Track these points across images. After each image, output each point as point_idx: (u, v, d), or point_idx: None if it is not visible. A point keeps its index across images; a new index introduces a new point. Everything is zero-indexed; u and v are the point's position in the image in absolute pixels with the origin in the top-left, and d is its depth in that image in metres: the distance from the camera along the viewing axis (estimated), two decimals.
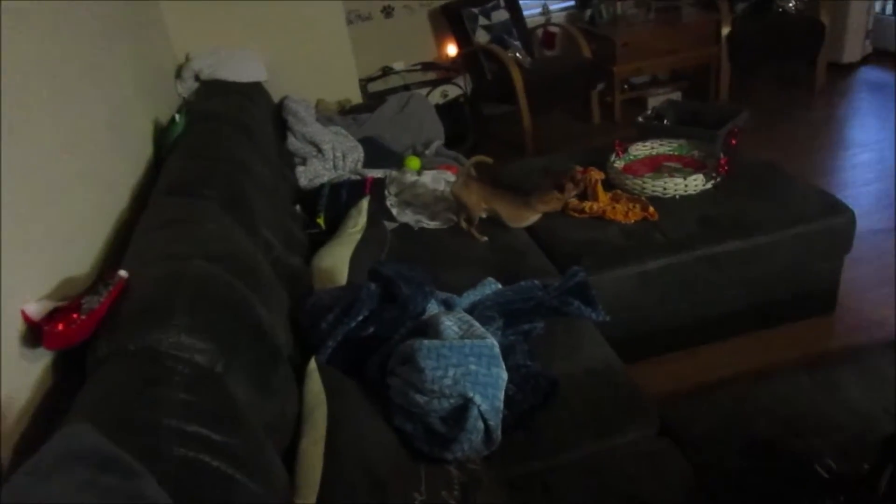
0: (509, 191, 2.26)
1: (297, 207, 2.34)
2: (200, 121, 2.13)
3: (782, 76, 4.70)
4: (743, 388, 1.52)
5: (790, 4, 4.29)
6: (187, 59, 2.83)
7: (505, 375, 1.41)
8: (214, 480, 0.85)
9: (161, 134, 2.12)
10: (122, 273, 1.14)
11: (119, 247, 1.49)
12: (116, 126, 1.81)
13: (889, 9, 4.86)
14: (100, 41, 1.86)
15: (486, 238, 2.21)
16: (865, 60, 4.71)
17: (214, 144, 1.96)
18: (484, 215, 2.26)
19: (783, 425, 1.39)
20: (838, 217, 2.17)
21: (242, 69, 2.78)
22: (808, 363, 1.59)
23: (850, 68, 4.66)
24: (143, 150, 2.01)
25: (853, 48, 4.63)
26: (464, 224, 2.25)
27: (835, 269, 2.31)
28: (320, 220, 2.23)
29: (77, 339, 1.02)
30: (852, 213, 2.18)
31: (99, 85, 1.76)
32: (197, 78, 2.72)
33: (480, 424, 1.33)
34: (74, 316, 1.01)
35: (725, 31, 4.22)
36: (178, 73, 2.75)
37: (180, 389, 0.94)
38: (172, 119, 2.10)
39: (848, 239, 2.21)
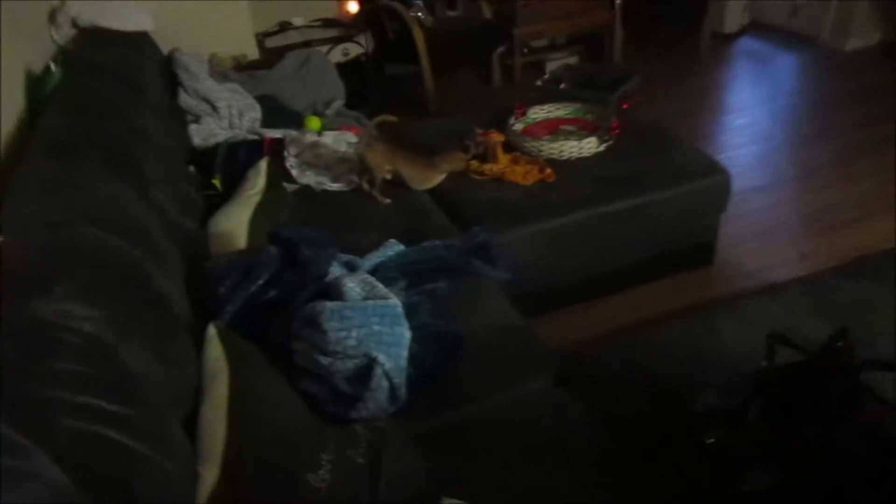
0: (413, 152, 2.26)
1: (192, 168, 2.24)
2: (80, 72, 1.97)
3: (670, 43, 4.92)
4: (634, 336, 1.63)
5: None
6: (62, 2, 2.59)
7: (408, 334, 1.44)
8: (112, 452, 0.82)
9: (34, 85, 1.94)
10: None
11: None
12: None
13: None
14: None
15: (388, 200, 2.21)
16: (744, 31, 5.00)
17: (97, 98, 1.83)
18: (388, 177, 2.25)
19: (670, 368, 1.51)
20: (716, 177, 2.33)
21: (127, 17, 2.58)
22: (691, 311, 1.72)
23: (731, 38, 4.93)
24: (13, 103, 1.83)
25: (733, 19, 4.91)
26: (366, 186, 2.23)
27: (713, 225, 2.49)
28: (216, 182, 2.15)
29: None
30: (728, 174, 2.35)
31: None
32: (74, 24, 2.50)
33: (385, 383, 1.35)
34: None
35: None
36: (52, 18, 2.51)
37: (69, 360, 0.90)
38: (47, 68, 1.93)
39: (724, 197, 2.38)
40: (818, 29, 4.63)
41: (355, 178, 2.28)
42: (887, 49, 4.39)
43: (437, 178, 2.28)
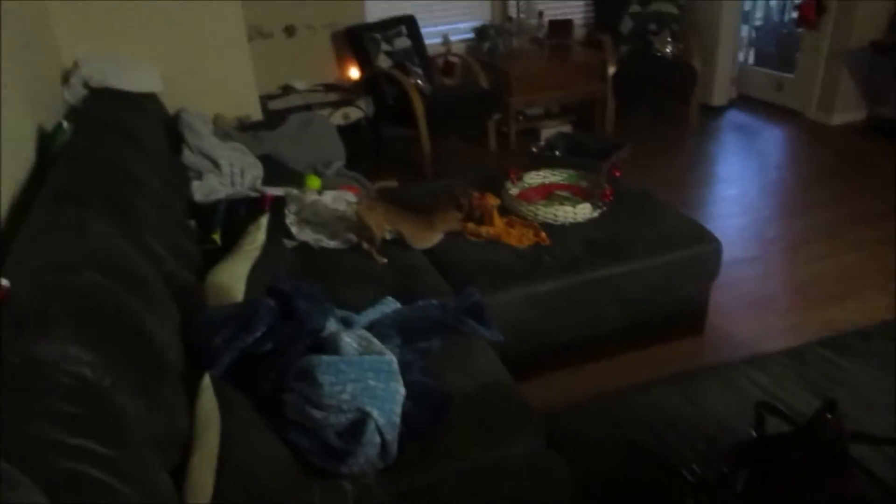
0: (413, 212, 2.32)
1: (193, 222, 2.28)
2: (88, 128, 2.05)
3: (660, 114, 5.09)
4: (621, 401, 1.64)
5: (667, 49, 4.68)
6: (75, 65, 2.70)
7: (403, 391, 1.45)
8: (100, 493, 0.82)
9: (46, 141, 2.01)
10: (4, 282, 1.09)
11: None
12: None
13: (752, 58, 5.40)
14: None
15: (385, 259, 2.25)
16: (732, 104, 5.19)
17: (102, 153, 1.89)
18: (388, 236, 2.30)
19: (656, 434, 1.51)
20: (707, 245, 2.38)
21: (136, 78, 2.69)
22: (679, 378, 1.73)
23: (719, 110, 5.12)
24: (25, 157, 1.90)
25: (721, 92, 5.11)
26: (365, 245, 2.27)
27: (704, 293, 2.52)
28: (216, 236, 2.19)
29: None
30: (719, 242, 2.39)
31: None
32: (86, 85, 2.60)
33: (377, 438, 1.35)
34: None
35: (611, 70, 4.53)
36: (66, 80, 2.61)
37: (65, 402, 0.91)
38: (59, 126, 2.00)
39: (715, 266, 2.42)
40: (804, 103, 4.81)
41: (353, 237, 2.32)
42: (872, 124, 4.55)
43: (436, 238, 2.34)
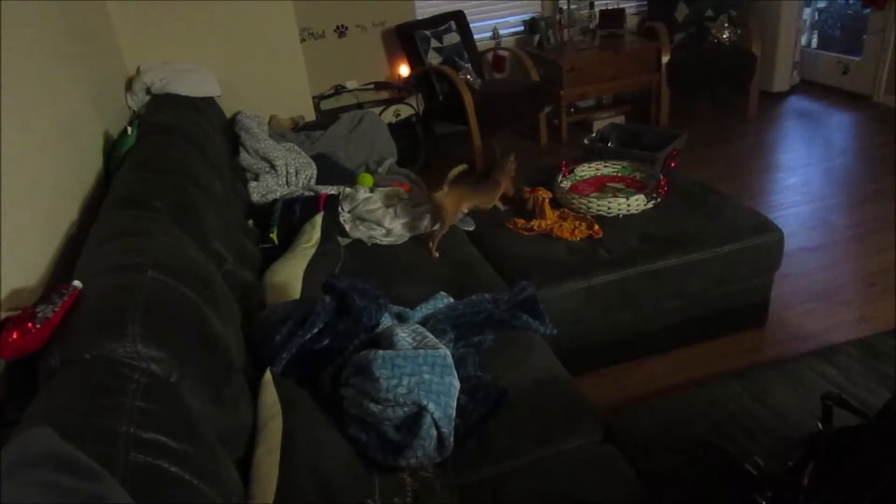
0: (478, 181, 2.45)
1: (250, 222, 2.34)
2: (152, 133, 2.12)
3: (717, 103, 4.94)
4: (681, 396, 1.61)
5: (724, 36, 4.54)
6: (138, 71, 2.81)
7: (457, 384, 1.46)
8: (173, 485, 0.86)
9: (112, 146, 2.10)
10: (77, 283, 1.14)
11: (69, 258, 1.48)
12: (67, 137, 1.79)
13: (815, 42, 5.18)
14: (50, 52, 1.85)
15: (438, 254, 2.26)
16: (794, 90, 5.00)
17: (165, 157, 1.96)
18: (466, 210, 2.42)
19: (718, 429, 1.47)
20: (768, 236, 2.30)
21: (195, 84, 2.78)
22: (741, 372, 1.68)
23: (780, 97, 4.93)
24: (93, 162, 1.99)
25: (782, 78, 4.92)
26: (434, 228, 2.30)
27: (765, 285, 2.45)
28: (273, 235, 2.24)
29: (32, 348, 1.02)
30: (781, 232, 2.32)
31: (50, 96, 1.75)
32: (148, 91, 2.70)
33: (433, 431, 1.37)
34: (29, 325, 1.01)
35: (665, 58, 4.42)
36: (129, 86, 2.72)
37: (136, 398, 0.95)
38: (124, 131, 2.09)
39: (777, 257, 2.35)
40: (872, 87, 4.60)
41: (424, 226, 2.38)
42: None
43: (500, 191, 2.50)
